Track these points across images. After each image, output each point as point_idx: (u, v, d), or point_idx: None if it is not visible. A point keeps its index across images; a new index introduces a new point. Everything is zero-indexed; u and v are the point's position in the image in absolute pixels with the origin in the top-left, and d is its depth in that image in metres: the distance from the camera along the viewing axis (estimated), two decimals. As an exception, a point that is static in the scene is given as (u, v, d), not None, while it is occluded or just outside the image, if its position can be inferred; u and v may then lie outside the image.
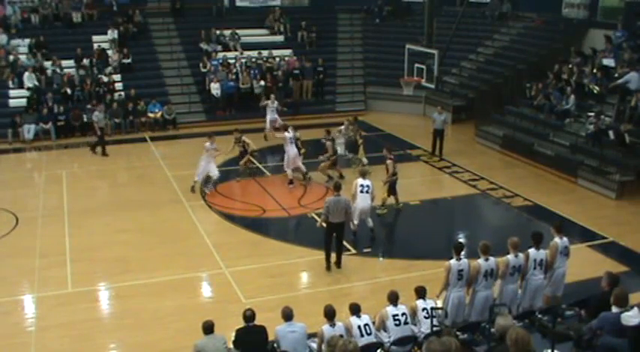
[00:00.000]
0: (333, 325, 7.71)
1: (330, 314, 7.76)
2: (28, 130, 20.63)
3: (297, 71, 24.31)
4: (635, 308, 6.56)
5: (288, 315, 7.87)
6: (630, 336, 6.35)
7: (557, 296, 9.48)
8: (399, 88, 22.48)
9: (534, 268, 9.22)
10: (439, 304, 8.81)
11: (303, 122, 20.15)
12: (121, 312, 10.71)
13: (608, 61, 18.98)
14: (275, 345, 7.83)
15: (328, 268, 11.86)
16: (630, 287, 8.16)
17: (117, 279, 11.65)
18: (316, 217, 13.54)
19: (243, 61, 24.21)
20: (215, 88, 22.94)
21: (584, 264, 11.40)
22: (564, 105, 18.62)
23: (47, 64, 22.78)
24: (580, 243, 12.83)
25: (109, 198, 16.04)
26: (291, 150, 16.13)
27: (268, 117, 20.06)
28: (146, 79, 23.84)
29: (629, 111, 16.89)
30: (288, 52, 25.65)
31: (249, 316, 7.89)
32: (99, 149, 19.27)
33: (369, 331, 7.91)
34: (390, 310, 8.17)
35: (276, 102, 20.36)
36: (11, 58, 22.67)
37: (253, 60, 24.49)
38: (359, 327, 7.87)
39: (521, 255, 9.12)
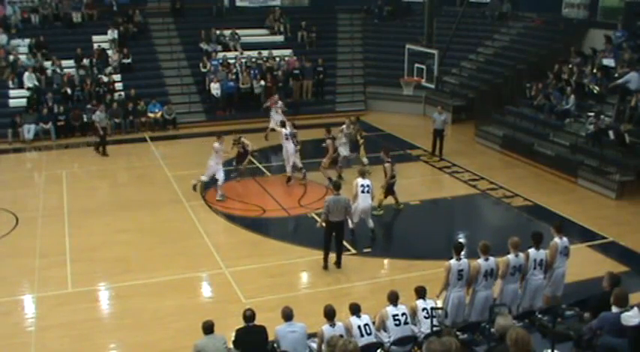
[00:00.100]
0: (333, 325, 7.71)
1: (330, 314, 7.76)
2: (28, 130, 20.63)
3: (297, 71, 24.30)
4: (635, 308, 6.56)
5: (288, 315, 7.87)
6: (630, 336, 6.35)
7: (557, 296, 9.49)
8: (399, 88, 22.50)
9: (534, 268, 9.22)
10: (439, 304, 8.81)
11: (303, 122, 20.12)
12: (121, 312, 10.71)
13: (608, 61, 18.98)
14: (275, 345, 7.83)
15: (325, 267, 11.88)
16: (630, 287, 8.15)
17: (117, 279, 11.65)
18: (316, 217, 13.54)
19: (243, 61, 24.21)
20: (215, 88, 22.94)
21: (584, 264, 11.41)
22: (564, 105, 18.62)
23: (47, 64, 22.78)
24: (580, 243, 12.83)
25: (109, 198, 16.04)
26: (289, 146, 16.16)
27: (273, 118, 19.94)
28: (146, 79, 23.84)
29: (629, 111, 16.90)
30: (288, 52, 25.65)
31: (249, 316, 7.89)
32: (100, 148, 19.28)
33: (369, 331, 7.91)
34: (390, 310, 8.17)
35: (280, 102, 20.28)
36: (11, 58, 22.67)
37: (253, 60, 24.49)
38: (359, 327, 7.87)
39: (521, 254, 9.12)
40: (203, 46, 24.84)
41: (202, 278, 11.92)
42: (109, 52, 23.94)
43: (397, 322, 8.11)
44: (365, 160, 17.05)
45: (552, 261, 9.37)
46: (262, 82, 23.36)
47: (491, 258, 8.98)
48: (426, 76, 21.15)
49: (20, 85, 22.03)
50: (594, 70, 19.04)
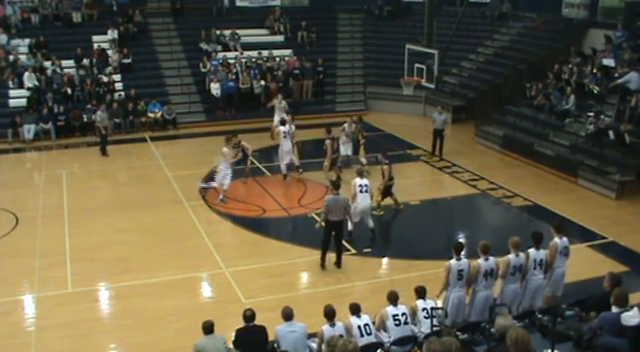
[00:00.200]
0: (333, 325, 7.71)
1: (330, 314, 7.76)
2: (28, 130, 20.63)
3: (297, 71, 24.30)
4: (635, 308, 6.56)
5: (288, 315, 7.87)
6: (630, 336, 6.35)
7: (557, 296, 9.49)
8: (399, 88, 22.50)
9: (534, 268, 9.22)
10: (439, 304, 8.81)
11: (303, 122, 20.11)
12: (120, 312, 10.71)
13: (608, 61, 18.98)
14: (275, 345, 7.83)
15: (323, 266, 11.88)
16: (630, 287, 8.14)
17: (117, 279, 11.65)
18: (316, 217, 13.54)
19: (243, 61, 24.21)
20: (215, 88, 22.94)
21: (584, 264, 11.41)
22: (564, 105, 18.62)
23: (47, 64, 22.78)
24: (580, 243, 12.83)
25: (109, 198, 16.02)
26: (285, 144, 16.15)
27: (276, 118, 19.84)
28: (146, 79, 23.84)
29: (629, 111, 16.89)
30: (288, 52, 25.65)
31: (249, 316, 7.90)
32: (103, 149, 19.27)
33: (369, 331, 7.91)
34: (390, 310, 8.17)
35: (283, 102, 20.21)
36: (11, 58, 22.68)
37: (253, 60, 24.49)
38: (359, 327, 7.87)
39: (522, 254, 9.12)
40: (203, 46, 24.84)
41: (202, 278, 11.91)
42: (109, 52, 23.94)
43: (397, 322, 8.11)
44: (364, 160, 17.05)
45: (552, 260, 9.37)
46: (262, 82, 23.37)
47: (492, 258, 8.98)
48: (426, 76, 21.15)
49: (20, 85, 22.04)
50: (594, 70, 19.04)
